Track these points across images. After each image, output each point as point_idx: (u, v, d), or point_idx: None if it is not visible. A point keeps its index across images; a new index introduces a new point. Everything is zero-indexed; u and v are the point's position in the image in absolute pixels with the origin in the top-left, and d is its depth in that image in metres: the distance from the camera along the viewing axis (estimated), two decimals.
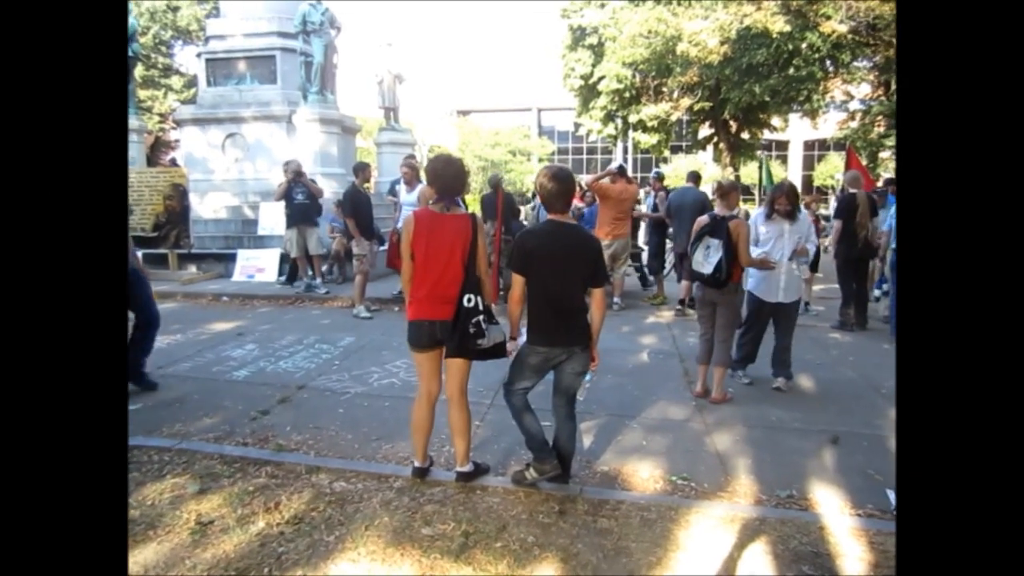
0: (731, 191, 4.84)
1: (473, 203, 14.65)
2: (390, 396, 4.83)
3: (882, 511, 3.26)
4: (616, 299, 8.18)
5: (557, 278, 3.09)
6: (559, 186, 3.10)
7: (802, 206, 5.36)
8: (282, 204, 9.02)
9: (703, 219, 4.83)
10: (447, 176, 3.17)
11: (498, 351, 3.16)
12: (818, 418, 4.49)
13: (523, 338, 3.23)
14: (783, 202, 4.88)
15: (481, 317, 3.04)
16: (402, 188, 8.01)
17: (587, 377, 3.30)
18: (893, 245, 6.84)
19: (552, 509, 3.10)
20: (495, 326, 3.11)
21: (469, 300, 3.04)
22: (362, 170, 8.16)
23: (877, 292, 7.75)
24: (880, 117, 20.15)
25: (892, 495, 3.38)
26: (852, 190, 7.21)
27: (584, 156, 47.18)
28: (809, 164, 39.91)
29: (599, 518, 3.01)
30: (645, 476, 3.60)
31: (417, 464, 3.41)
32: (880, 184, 9.93)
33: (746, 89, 18.39)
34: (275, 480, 3.37)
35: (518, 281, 3.14)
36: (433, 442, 3.77)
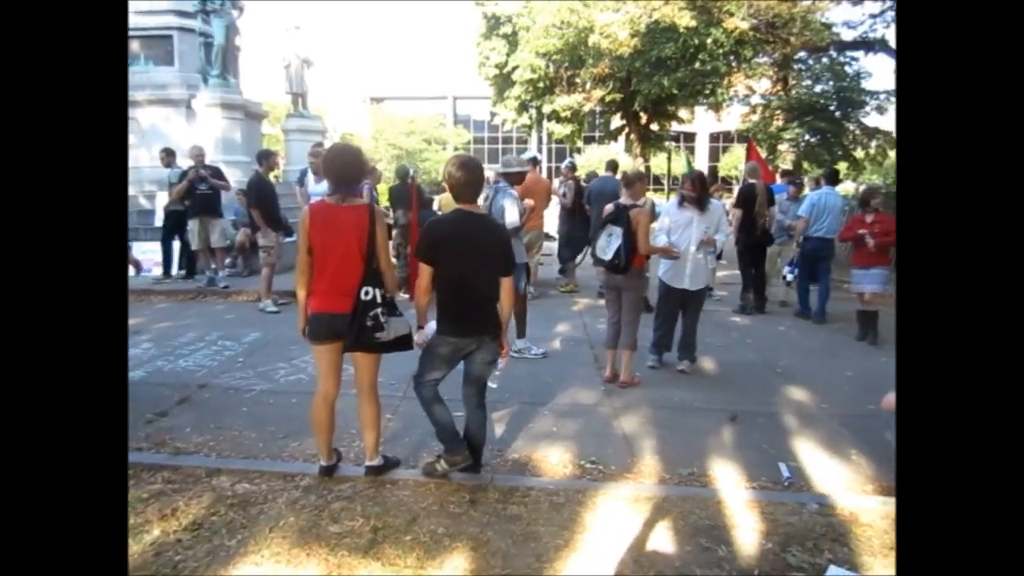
0: (636, 181, 4.97)
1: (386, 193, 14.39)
2: (297, 392, 4.68)
3: (774, 482, 3.47)
4: (530, 288, 8.26)
5: (467, 267, 3.09)
6: (467, 175, 3.09)
7: (715, 197, 5.51)
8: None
9: (608, 207, 4.96)
10: (339, 164, 3.06)
11: (403, 343, 3.12)
12: (718, 398, 4.72)
13: (430, 328, 3.21)
14: (688, 187, 5.02)
15: (379, 310, 2.99)
16: (310, 178, 7.76)
17: (498, 364, 3.33)
18: (811, 233, 7.31)
19: (463, 499, 3.10)
20: (397, 318, 3.07)
21: (367, 293, 2.98)
22: (267, 158, 7.84)
23: (789, 276, 8.11)
24: (779, 111, 21.24)
25: (784, 467, 3.60)
26: (751, 180, 7.57)
27: (500, 146, 47.27)
28: (715, 155, 41.62)
29: (509, 505, 3.05)
30: (555, 461, 3.67)
31: (323, 462, 3.33)
32: (779, 177, 10.43)
33: (655, 82, 18.90)
34: (172, 485, 3.21)
35: (425, 271, 3.11)
36: (343, 437, 3.70)
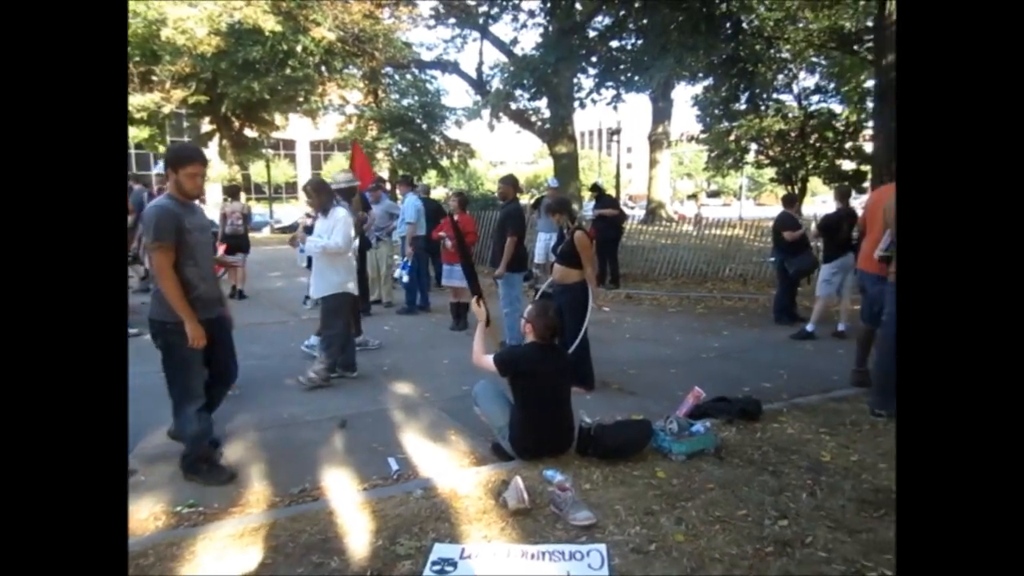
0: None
1: None
2: None
3: (384, 478, 3.59)
4: None
5: None
6: None
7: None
8: None
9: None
10: None
11: None
12: (329, 406, 4.70)
13: None
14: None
15: None
16: None
17: None
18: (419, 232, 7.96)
19: None
20: None
21: None
22: None
23: (406, 278, 8.21)
24: (372, 122, 22.35)
25: (392, 461, 3.75)
26: None
27: None
28: (317, 163, 41.85)
29: None
30: (144, 516, 3.17)
31: None
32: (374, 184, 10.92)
33: (244, 85, 18.03)
34: None
35: None
36: None
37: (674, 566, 2.55)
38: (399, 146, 22.32)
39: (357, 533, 2.88)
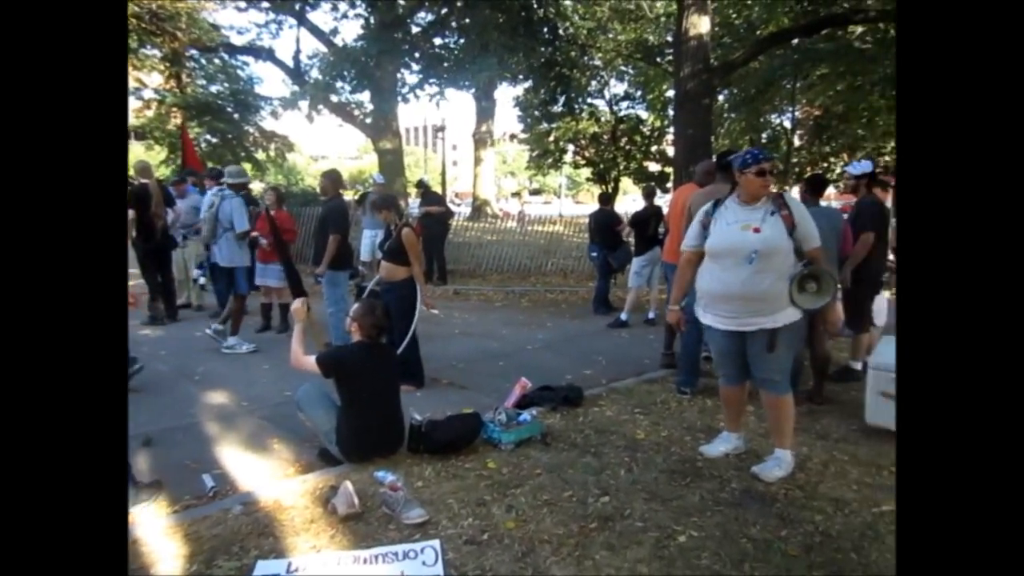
0: None
1: None
2: None
3: (199, 497, 3.30)
4: None
5: None
6: None
7: None
8: None
9: None
10: None
11: None
12: (128, 423, 4.22)
13: None
14: None
15: None
16: None
17: None
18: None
19: None
20: None
21: None
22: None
23: (202, 280, 7.69)
24: (175, 109, 20.37)
25: (207, 478, 3.46)
26: (144, 180, 7.02)
27: None
28: None
29: None
30: None
31: None
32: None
33: None
34: None
35: None
36: None
37: (506, 552, 2.62)
38: (208, 136, 20.62)
39: (167, 560, 2.62)
